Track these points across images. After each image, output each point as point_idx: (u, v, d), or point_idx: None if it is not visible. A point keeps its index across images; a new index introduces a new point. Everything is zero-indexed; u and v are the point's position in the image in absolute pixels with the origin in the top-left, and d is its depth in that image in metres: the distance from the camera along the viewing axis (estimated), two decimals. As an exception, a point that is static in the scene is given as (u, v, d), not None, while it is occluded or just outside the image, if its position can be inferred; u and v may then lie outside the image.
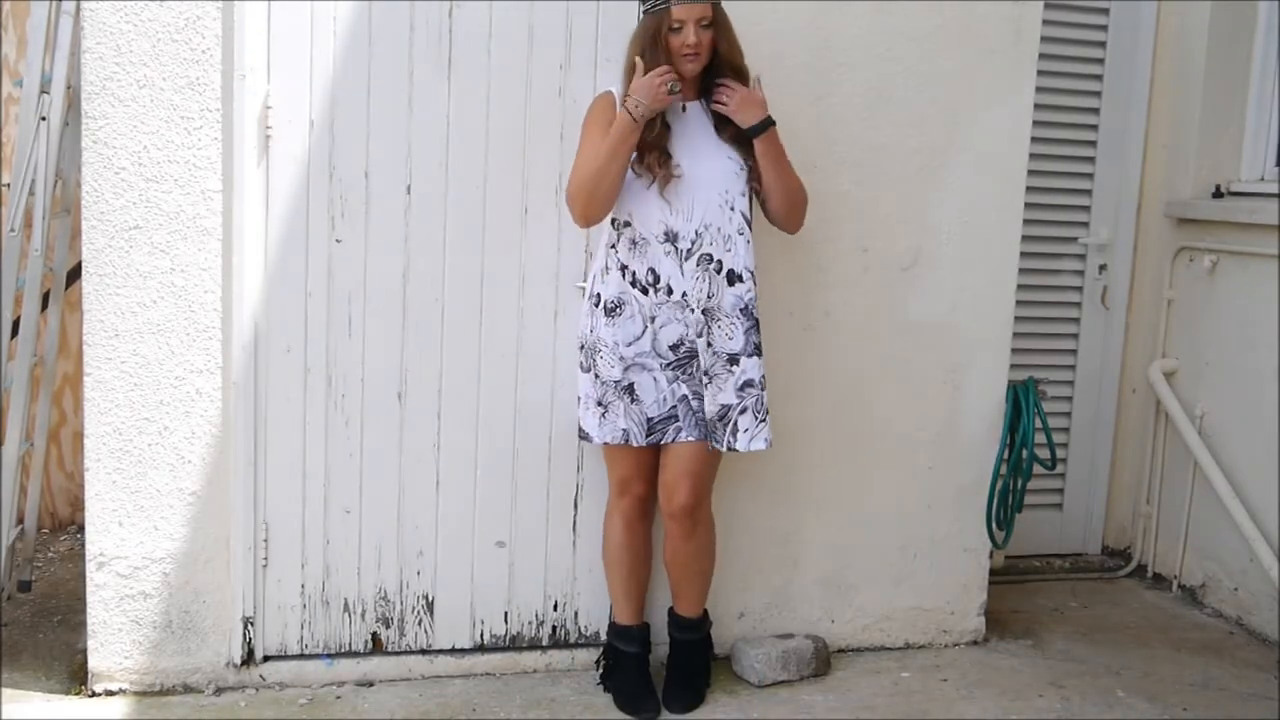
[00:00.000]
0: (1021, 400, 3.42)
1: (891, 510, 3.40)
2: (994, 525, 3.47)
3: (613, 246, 2.84)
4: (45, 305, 3.31)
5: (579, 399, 2.92)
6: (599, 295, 2.85)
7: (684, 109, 2.81)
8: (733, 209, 2.81)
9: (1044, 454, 3.51)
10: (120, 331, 2.82)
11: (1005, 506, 3.48)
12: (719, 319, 2.82)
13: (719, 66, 2.78)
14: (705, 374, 2.82)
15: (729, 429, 2.83)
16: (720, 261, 2.80)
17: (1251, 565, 3.69)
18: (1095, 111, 4.06)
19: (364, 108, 2.88)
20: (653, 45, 2.70)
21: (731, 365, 2.82)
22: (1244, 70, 3.91)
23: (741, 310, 2.83)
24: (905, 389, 3.36)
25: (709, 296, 2.80)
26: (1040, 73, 3.40)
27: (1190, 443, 3.88)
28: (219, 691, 2.97)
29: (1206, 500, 3.87)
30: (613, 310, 2.82)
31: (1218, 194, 3.92)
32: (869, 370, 3.32)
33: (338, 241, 2.92)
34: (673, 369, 2.83)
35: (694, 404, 2.84)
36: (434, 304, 2.98)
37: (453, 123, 2.93)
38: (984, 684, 3.25)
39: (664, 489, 2.92)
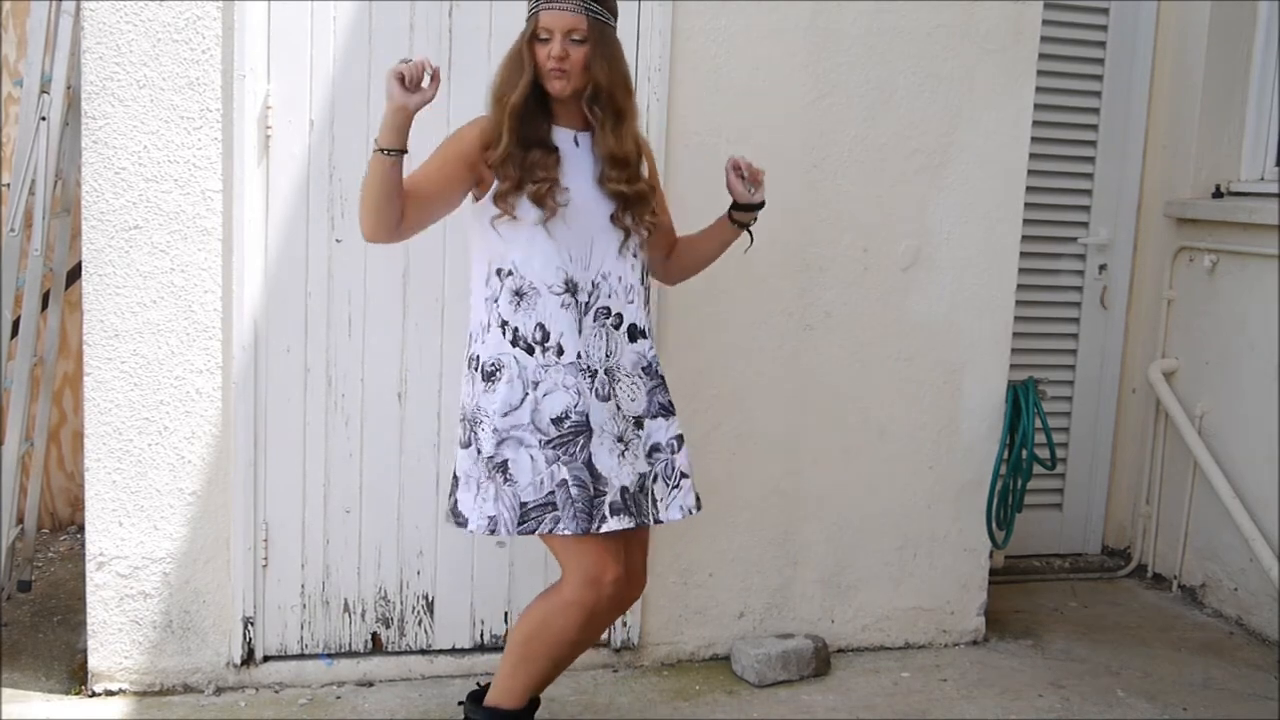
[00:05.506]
0: (1021, 400, 3.42)
1: (891, 510, 3.40)
2: (994, 525, 3.47)
3: (494, 300, 2.44)
4: (45, 305, 3.31)
5: (456, 478, 2.49)
6: (477, 358, 2.45)
7: (576, 141, 2.46)
8: (635, 255, 2.51)
9: (1044, 454, 3.51)
10: (120, 331, 2.82)
11: (1005, 506, 3.48)
12: (619, 380, 2.48)
13: (599, 96, 2.41)
14: (619, 439, 2.46)
15: (650, 500, 2.50)
16: (620, 315, 2.48)
17: (1251, 565, 3.69)
18: (1095, 111, 4.06)
19: (364, 108, 2.88)
20: (516, 55, 2.40)
21: (638, 429, 2.50)
22: (1244, 70, 3.92)
23: (644, 369, 2.52)
24: (905, 389, 3.36)
25: (607, 355, 2.46)
26: (1040, 73, 3.40)
27: (1190, 443, 3.88)
28: (219, 691, 2.97)
29: (1206, 500, 3.87)
30: (490, 375, 2.43)
31: (1218, 194, 3.92)
32: (869, 370, 3.32)
33: (338, 241, 2.92)
34: (553, 447, 2.40)
35: (573, 490, 2.40)
36: (434, 304, 2.98)
37: (453, 123, 2.92)
38: (984, 684, 3.25)
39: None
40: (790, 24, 3.12)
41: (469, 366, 2.50)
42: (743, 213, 2.68)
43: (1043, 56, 3.43)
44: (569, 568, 2.48)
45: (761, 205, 2.67)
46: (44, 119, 3.01)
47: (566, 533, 2.40)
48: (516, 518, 2.40)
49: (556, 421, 2.41)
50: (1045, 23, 3.38)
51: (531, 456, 2.40)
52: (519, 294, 2.43)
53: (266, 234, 2.87)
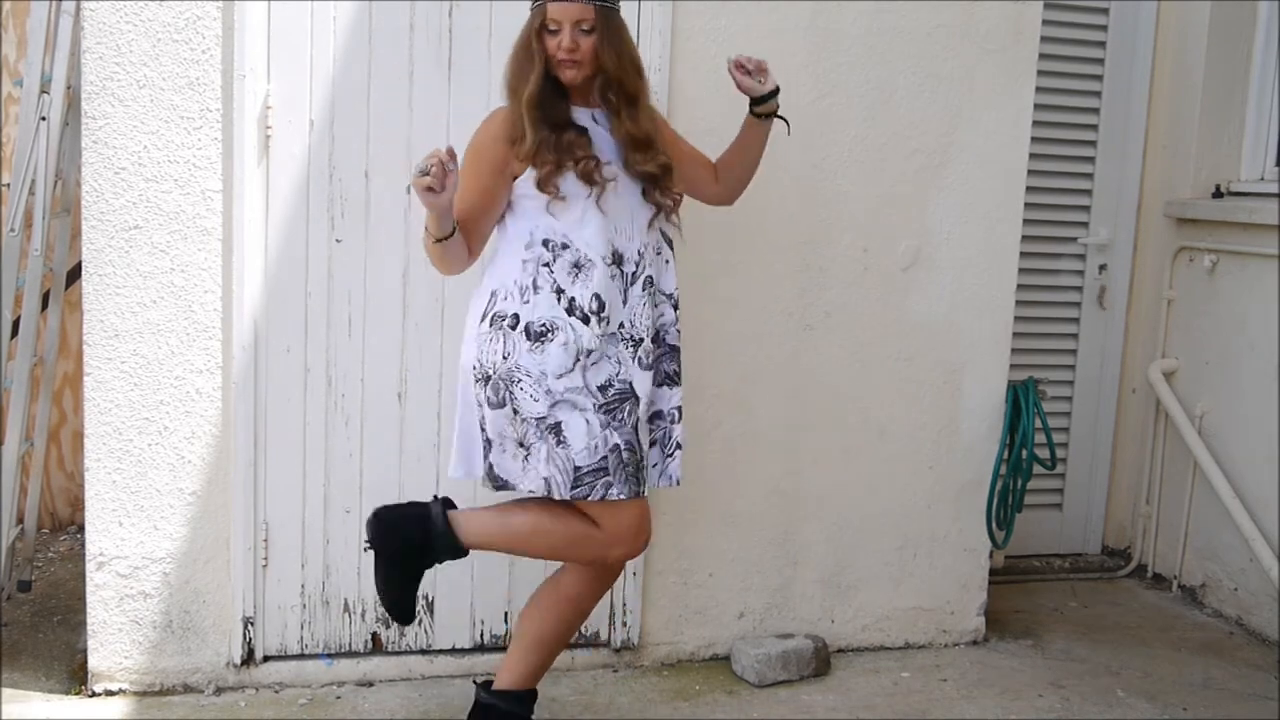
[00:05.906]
0: (1021, 400, 3.42)
1: (891, 510, 3.40)
2: (994, 525, 3.47)
3: (546, 265, 2.46)
4: (45, 305, 3.31)
5: (488, 440, 2.50)
6: (516, 317, 2.45)
7: (595, 119, 2.52)
8: (659, 227, 2.58)
9: (1044, 454, 3.51)
10: (120, 331, 2.82)
11: (1005, 506, 3.48)
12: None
13: (610, 84, 2.47)
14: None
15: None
16: (652, 280, 2.55)
17: (1251, 565, 3.69)
18: (1095, 111, 4.06)
19: (364, 108, 2.88)
20: (526, 47, 2.45)
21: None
22: (1244, 70, 3.91)
23: (653, 338, 2.56)
24: (905, 389, 3.36)
25: (651, 323, 2.54)
26: (1040, 73, 3.40)
27: (1190, 443, 3.88)
28: (219, 691, 2.97)
29: (1206, 500, 3.87)
30: (540, 336, 2.43)
31: (1218, 194, 3.92)
32: (869, 370, 3.32)
33: (338, 241, 2.92)
34: (604, 412, 2.45)
35: (625, 455, 2.45)
36: (434, 304, 2.99)
37: (453, 123, 2.93)
38: (984, 684, 3.25)
39: None
40: (790, 24, 3.12)
41: (494, 324, 2.47)
42: (762, 105, 2.71)
43: (1043, 56, 3.43)
44: (609, 526, 2.52)
45: (776, 91, 2.70)
46: (44, 119, 3.01)
47: (621, 497, 2.46)
48: (570, 481, 2.44)
49: (602, 389, 2.46)
50: (1045, 23, 3.38)
51: (587, 421, 2.44)
52: (577, 266, 2.46)
53: (266, 234, 2.87)
